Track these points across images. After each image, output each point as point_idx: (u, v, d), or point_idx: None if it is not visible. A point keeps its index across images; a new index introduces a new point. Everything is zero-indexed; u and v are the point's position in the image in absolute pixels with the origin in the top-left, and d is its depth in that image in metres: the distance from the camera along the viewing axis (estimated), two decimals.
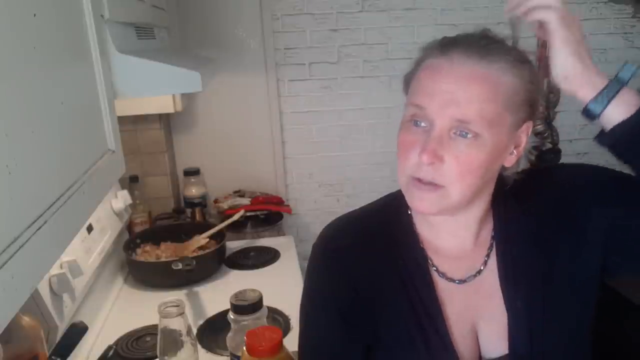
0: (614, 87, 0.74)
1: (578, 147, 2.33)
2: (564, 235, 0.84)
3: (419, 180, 0.76)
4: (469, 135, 0.73)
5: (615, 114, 0.74)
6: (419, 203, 0.78)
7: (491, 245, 0.86)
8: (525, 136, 0.80)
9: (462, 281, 0.85)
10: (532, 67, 0.78)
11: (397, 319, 0.83)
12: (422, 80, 0.77)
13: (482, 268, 0.86)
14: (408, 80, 0.81)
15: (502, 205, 0.86)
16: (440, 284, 0.85)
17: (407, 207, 0.86)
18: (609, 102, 0.74)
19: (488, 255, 0.86)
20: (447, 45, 0.77)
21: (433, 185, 0.76)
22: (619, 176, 0.83)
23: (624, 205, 0.81)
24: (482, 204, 0.84)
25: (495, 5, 2.27)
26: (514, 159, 0.81)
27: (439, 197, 0.76)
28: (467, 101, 0.73)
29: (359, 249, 0.86)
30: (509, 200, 0.86)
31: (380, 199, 0.94)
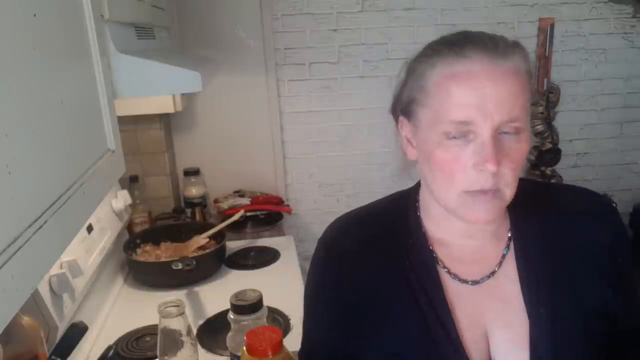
0: None
1: (578, 147, 2.30)
2: (585, 257, 0.81)
3: (481, 191, 0.73)
4: (513, 131, 0.73)
5: None
6: (484, 215, 0.75)
7: (508, 246, 0.83)
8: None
9: (475, 282, 0.82)
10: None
11: (405, 323, 0.80)
12: (453, 92, 0.72)
13: (496, 269, 0.82)
14: (414, 98, 0.77)
15: (517, 205, 0.81)
16: (451, 286, 0.82)
17: (416, 209, 0.86)
18: None
19: (504, 257, 0.83)
20: (462, 49, 0.72)
21: (493, 191, 0.73)
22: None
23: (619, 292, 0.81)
24: None
25: (495, 5, 2.26)
26: None
27: (499, 201, 0.74)
28: (509, 101, 0.71)
29: (362, 252, 0.84)
30: (523, 197, 0.81)
31: (389, 196, 0.91)
